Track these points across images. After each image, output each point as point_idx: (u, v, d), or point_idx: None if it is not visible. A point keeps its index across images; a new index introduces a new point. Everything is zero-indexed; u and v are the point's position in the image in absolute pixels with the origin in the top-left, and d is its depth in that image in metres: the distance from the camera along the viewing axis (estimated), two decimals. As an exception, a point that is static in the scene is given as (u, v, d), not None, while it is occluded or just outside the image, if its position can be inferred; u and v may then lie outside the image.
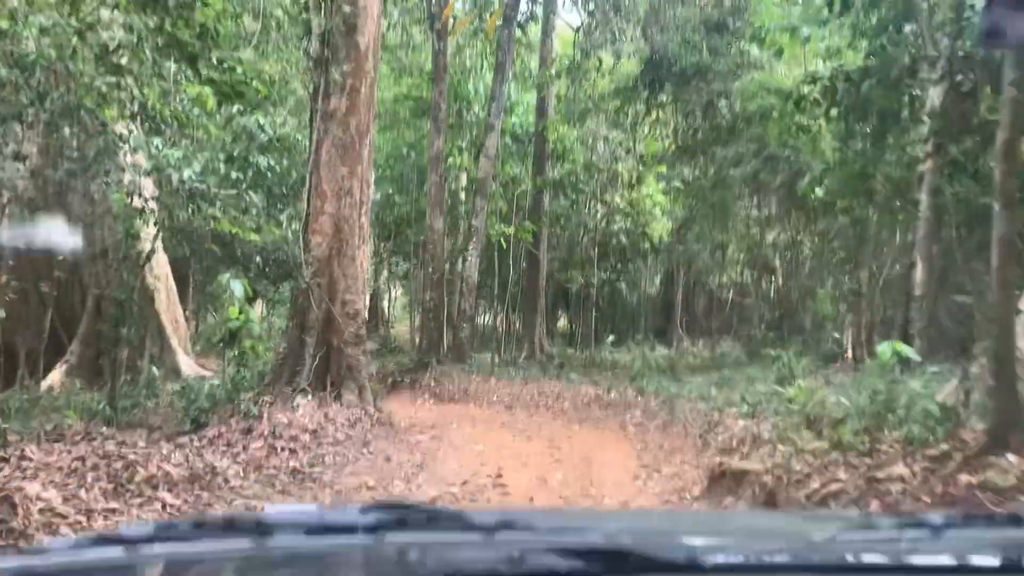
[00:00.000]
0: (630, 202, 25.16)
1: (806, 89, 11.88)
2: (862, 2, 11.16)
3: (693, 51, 19.61)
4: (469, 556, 1.34)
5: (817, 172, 15.09)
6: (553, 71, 22.60)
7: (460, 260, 21.72)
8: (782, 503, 5.78)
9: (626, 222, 25.73)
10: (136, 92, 9.99)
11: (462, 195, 25.26)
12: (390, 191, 25.36)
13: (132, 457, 6.50)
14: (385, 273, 31.26)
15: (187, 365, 15.16)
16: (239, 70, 9.87)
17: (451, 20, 19.77)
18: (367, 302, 16.76)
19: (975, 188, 9.88)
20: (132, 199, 10.50)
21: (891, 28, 12.05)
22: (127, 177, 10.81)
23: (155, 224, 10.92)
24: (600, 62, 21.82)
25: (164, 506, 5.88)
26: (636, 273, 28.81)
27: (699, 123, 21.09)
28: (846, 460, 5.59)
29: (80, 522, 5.10)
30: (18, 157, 11.37)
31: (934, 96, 10.05)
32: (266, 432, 8.95)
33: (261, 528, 1.38)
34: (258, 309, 23.12)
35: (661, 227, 25.48)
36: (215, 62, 9.50)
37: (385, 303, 32.65)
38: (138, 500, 5.86)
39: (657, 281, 30.66)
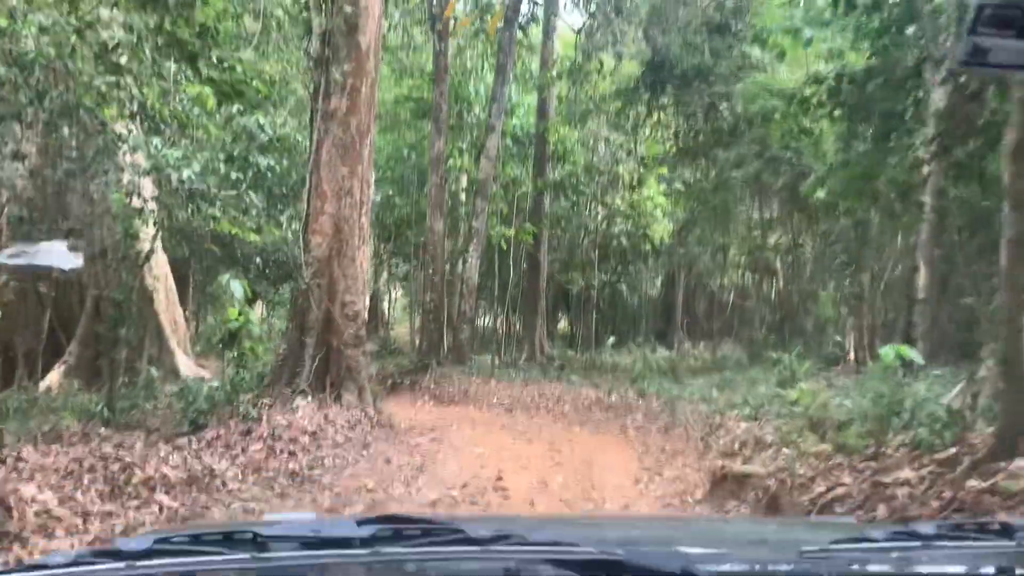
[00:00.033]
0: (631, 204, 25.12)
1: (810, 90, 11.82)
2: (865, 3, 11.09)
3: (695, 53, 19.55)
4: (465, 569, 1.38)
5: (821, 173, 15.02)
6: (554, 72, 22.55)
7: (460, 262, 21.67)
8: (785, 507, 5.71)
9: (627, 224, 25.68)
10: (135, 91, 9.94)
11: (462, 197, 25.21)
12: (390, 192, 25.32)
13: (129, 459, 6.44)
14: (385, 274, 31.21)
15: (186, 366, 15.09)
16: (239, 69, 9.82)
17: (452, 21, 19.73)
18: (367, 303, 16.70)
19: (979, 190, 9.83)
20: (131, 199, 10.44)
21: (893, 30, 12.00)
22: (126, 177, 10.76)
23: (154, 224, 10.86)
24: (601, 64, 21.76)
25: (161, 508, 5.81)
26: (637, 275, 28.75)
27: (700, 125, 21.03)
28: (851, 464, 5.53)
29: (76, 525, 5.04)
30: (17, 156, 11.34)
31: (938, 97, 9.99)
32: (265, 434, 8.88)
33: (258, 542, 1.40)
34: (258, 310, 23.07)
35: (662, 229, 25.43)
36: (215, 61, 9.46)
37: (385, 305, 32.61)
38: (135, 502, 5.80)
39: (658, 283, 30.61)
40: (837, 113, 11.91)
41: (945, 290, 14.01)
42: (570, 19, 36.58)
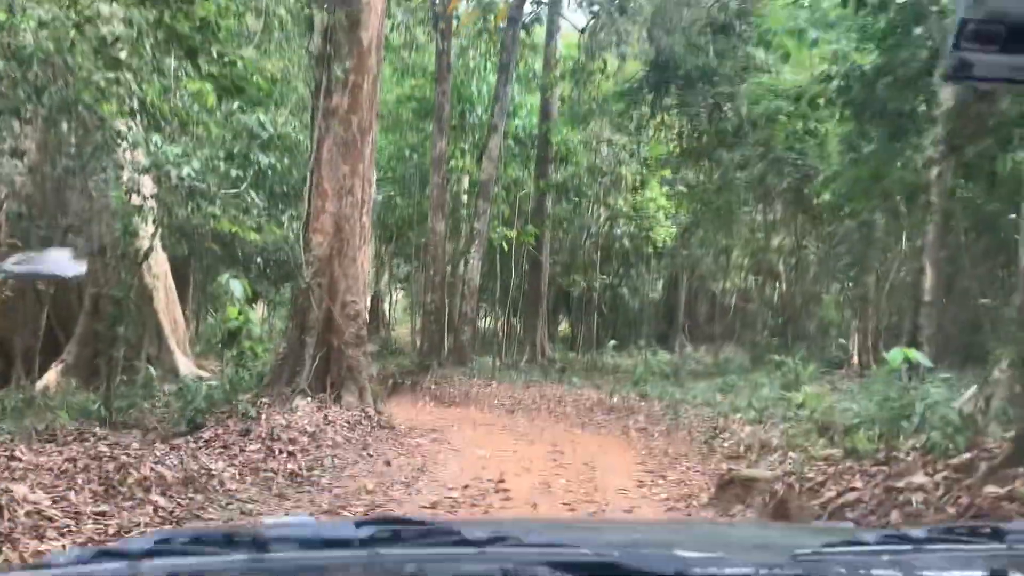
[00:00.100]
0: (633, 206, 25.04)
1: (819, 88, 11.70)
2: (873, 2, 10.97)
3: (699, 54, 19.44)
4: (462, 570, 1.40)
5: (829, 173, 14.91)
6: (557, 73, 22.47)
7: (462, 263, 21.60)
8: (794, 512, 5.60)
9: (629, 226, 25.60)
10: (135, 87, 9.84)
11: (464, 198, 25.13)
12: (392, 193, 25.22)
13: (125, 459, 6.33)
14: (386, 275, 31.14)
15: (185, 366, 14.98)
16: (240, 65, 9.71)
17: (455, 20, 19.64)
18: (368, 304, 16.61)
19: (987, 191, 9.72)
20: (131, 196, 10.34)
21: (899, 31, 11.89)
22: (126, 174, 10.67)
23: (153, 222, 10.76)
24: (605, 64, 21.67)
25: (156, 509, 5.69)
26: (638, 278, 28.64)
27: (704, 126, 20.90)
28: (861, 468, 5.41)
29: (69, 526, 4.93)
30: (16, 153, 11.25)
31: (946, 96, 9.87)
32: (264, 434, 8.77)
33: (258, 543, 1.41)
34: (259, 310, 23.00)
35: (664, 231, 25.33)
36: (215, 56, 9.34)
37: (386, 306, 32.51)
38: (129, 503, 5.68)
39: (660, 286, 30.50)
40: (846, 112, 11.79)
41: (951, 292, 13.91)
42: (574, 19, 36.41)
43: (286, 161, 13.52)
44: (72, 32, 8.96)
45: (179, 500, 6.13)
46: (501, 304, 24.80)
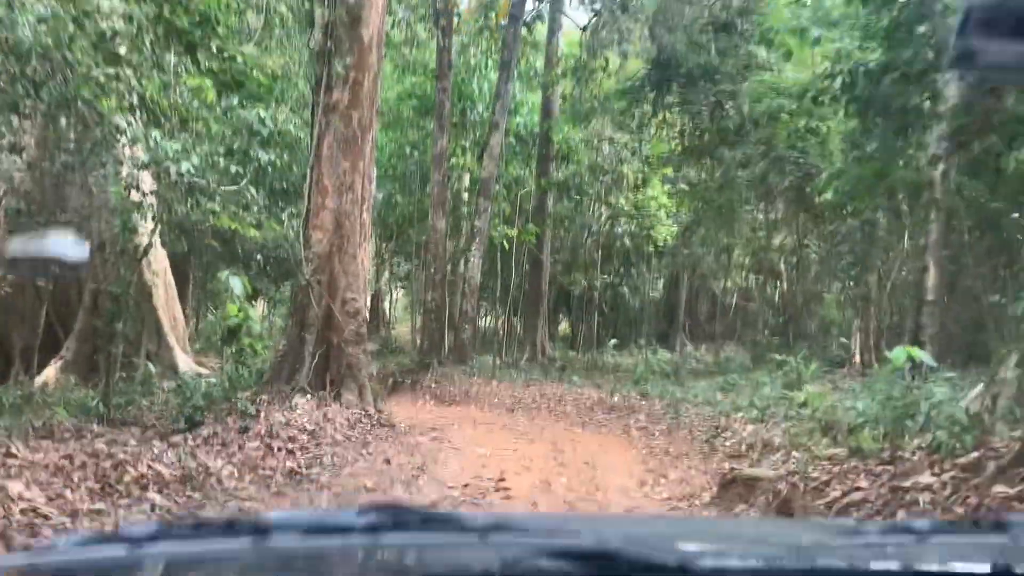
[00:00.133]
0: (635, 205, 25.00)
1: (824, 84, 11.63)
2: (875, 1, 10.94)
3: (700, 52, 19.39)
4: (463, 557, 1.40)
5: (833, 171, 14.83)
6: (559, 70, 22.41)
7: (462, 261, 21.54)
8: (798, 511, 5.54)
9: (630, 225, 25.56)
10: (135, 83, 9.79)
11: (465, 195, 25.06)
12: (392, 190, 25.15)
13: (122, 456, 6.27)
14: (387, 274, 31.09)
15: (185, 363, 14.93)
16: (239, 60, 9.65)
17: (456, 17, 19.57)
18: (368, 302, 16.55)
19: (991, 189, 9.65)
20: (130, 192, 10.28)
21: (903, 28, 11.84)
22: (125, 170, 10.61)
23: (153, 218, 10.70)
24: (606, 62, 21.62)
25: (153, 507, 5.64)
26: (639, 276, 28.61)
27: (706, 124, 20.85)
28: (866, 468, 5.35)
29: (64, 523, 4.87)
30: (15, 149, 11.19)
31: (951, 93, 9.80)
32: (263, 432, 8.71)
33: (260, 528, 1.41)
34: (260, 308, 22.96)
35: (666, 230, 25.27)
36: (215, 51, 9.29)
37: (387, 304, 32.48)
38: (126, 501, 5.62)
39: (660, 285, 30.46)
40: (851, 108, 11.73)
41: (953, 291, 13.85)
42: (576, 16, 36.36)
43: (286, 158, 13.44)
44: (71, 27, 8.89)
45: (176, 498, 6.07)
46: (502, 303, 24.76)
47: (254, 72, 10.27)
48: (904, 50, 11.24)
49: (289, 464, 8.00)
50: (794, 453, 6.82)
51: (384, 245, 28.10)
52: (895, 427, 6.02)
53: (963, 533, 1.61)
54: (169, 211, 11.11)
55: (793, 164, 18.21)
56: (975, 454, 4.50)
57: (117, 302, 10.74)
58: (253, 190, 11.82)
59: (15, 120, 10.27)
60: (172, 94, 10.66)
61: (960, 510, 4.20)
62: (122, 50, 9.57)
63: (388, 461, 8.90)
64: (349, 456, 8.90)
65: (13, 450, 5.77)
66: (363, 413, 10.89)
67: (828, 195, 16.02)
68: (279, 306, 23.83)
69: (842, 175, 13.93)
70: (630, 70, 21.81)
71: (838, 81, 11.14)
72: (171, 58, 10.26)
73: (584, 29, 22.41)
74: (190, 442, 7.86)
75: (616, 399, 14.48)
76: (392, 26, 19.45)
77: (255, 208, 12.23)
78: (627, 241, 25.95)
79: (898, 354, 7.65)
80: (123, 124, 10.04)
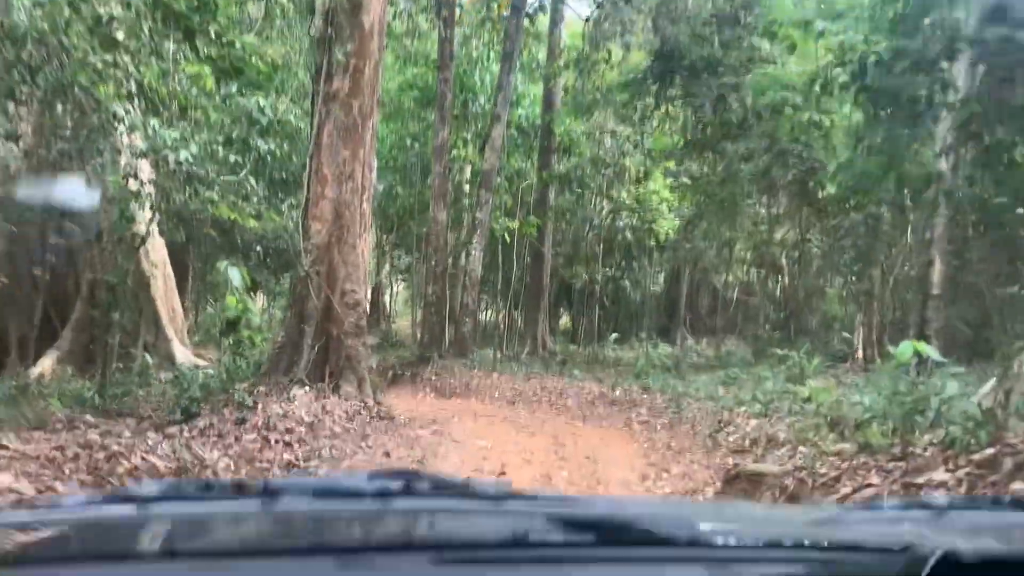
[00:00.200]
0: (636, 198, 24.86)
1: (833, 72, 11.50)
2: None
3: (704, 44, 19.22)
4: (476, 523, 1.39)
5: (841, 162, 14.68)
6: (561, 62, 22.26)
7: (463, 254, 21.41)
8: (805, 508, 5.43)
9: (632, 218, 25.43)
10: (133, 70, 9.66)
11: (466, 188, 24.91)
12: (393, 182, 25.01)
13: (116, 447, 6.15)
14: (387, 267, 30.97)
15: (183, 354, 14.83)
16: (238, 46, 9.52)
17: (458, 8, 19.41)
18: (368, 294, 16.43)
19: (999, 181, 9.51)
20: (128, 181, 10.17)
21: (909, 19, 11.71)
22: (123, 158, 10.49)
23: (151, 207, 10.59)
24: (609, 54, 21.46)
25: (147, 500, 5.52)
26: (640, 270, 28.50)
27: (709, 117, 20.67)
28: (877, 464, 5.23)
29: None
30: (10, 136, 11.06)
31: (962, 82, 9.65)
32: (260, 423, 8.60)
33: (269, 491, 1.40)
34: (259, 300, 22.84)
35: (667, 224, 25.15)
36: (214, 37, 9.15)
37: (387, 297, 32.37)
38: (120, 493, 5.51)
39: (662, 279, 30.36)
40: (860, 98, 11.58)
41: (958, 286, 13.72)
42: (578, 8, 36.11)
43: (286, 147, 13.34)
44: (67, 11, 8.76)
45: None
46: (503, 296, 24.65)
47: (253, 59, 10.12)
48: (912, 40, 11.11)
49: (287, 456, 7.89)
50: (800, 448, 6.71)
51: (385, 237, 27.99)
52: (905, 423, 5.90)
53: (981, 510, 1.59)
54: (167, 200, 11.01)
55: (796, 158, 18.06)
56: (990, 450, 4.38)
57: (114, 292, 10.63)
58: (252, 180, 11.71)
59: (11, 106, 10.15)
60: (171, 81, 10.54)
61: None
62: (119, 35, 9.44)
63: (387, 454, 8.80)
64: (348, 449, 8.79)
65: (4, 441, 5.65)
66: (362, 405, 10.78)
67: (832, 189, 15.87)
68: (279, 298, 23.72)
69: (848, 167, 13.79)
70: (633, 62, 21.65)
71: (848, 70, 10.99)
72: (170, 44, 10.13)
73: (587, 20, 22.22)
74: (186, 434, 7.76)
75: (617, 393, 14.37)
76: (394, 17, 19.29)
77: (254, 198, 12.14)
78: (628, 234, 25.81)
79: (904, 349, 7.51)
80: (121, 111, 9.92)
